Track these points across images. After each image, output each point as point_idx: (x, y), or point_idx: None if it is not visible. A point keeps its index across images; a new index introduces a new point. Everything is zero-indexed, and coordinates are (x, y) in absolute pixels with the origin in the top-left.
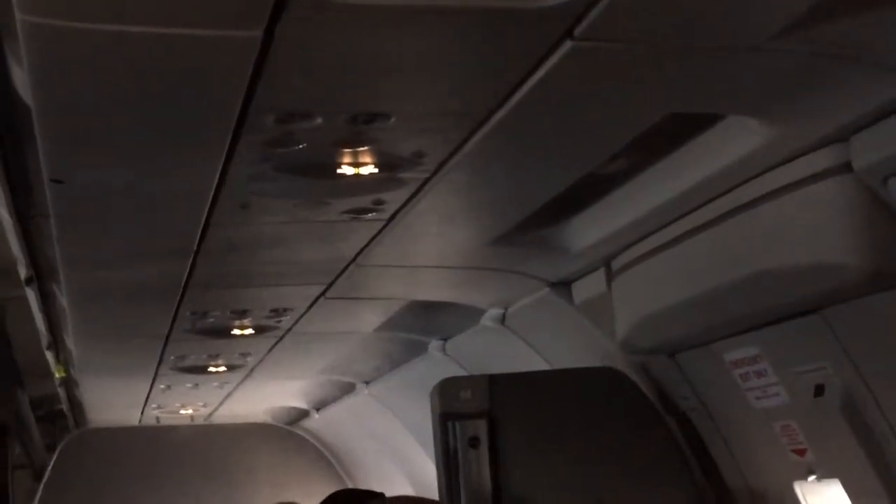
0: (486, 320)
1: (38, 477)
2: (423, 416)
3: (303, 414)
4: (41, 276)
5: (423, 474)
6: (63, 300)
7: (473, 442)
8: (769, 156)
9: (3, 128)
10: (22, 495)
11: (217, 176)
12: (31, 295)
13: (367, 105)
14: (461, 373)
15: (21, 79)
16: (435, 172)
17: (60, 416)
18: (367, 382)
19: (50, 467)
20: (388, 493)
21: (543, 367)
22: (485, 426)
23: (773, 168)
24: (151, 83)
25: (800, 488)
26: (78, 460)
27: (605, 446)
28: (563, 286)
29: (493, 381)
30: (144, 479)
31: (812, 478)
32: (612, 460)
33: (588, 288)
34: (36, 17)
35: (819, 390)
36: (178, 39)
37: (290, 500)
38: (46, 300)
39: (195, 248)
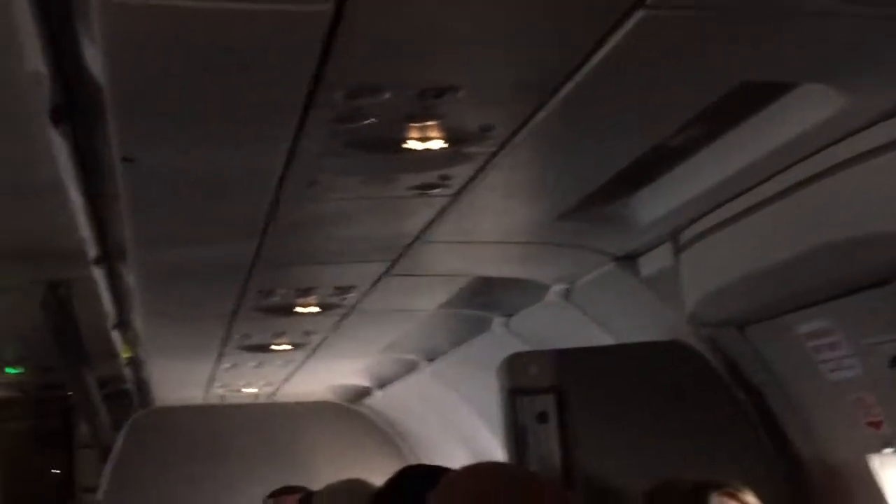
0: (551, 296)
1: (104, 456)
2: (487, 393)
3: (365, 392)
4: (109, 257)
5: (487, 451)
6: (131, 280)
7: (542, 417)
8: (842, 124)
9: (74, 107)
10: (88, 474)
11: (286, 153)
12: (99, 275)
13: (437, 78)
14: (525, 349)
15: (93, 56)
16: (502, 146)
17: (126, 395)
18: (430, 360)
19: (116, 446)
20: None
21: (609, 342)
22: (553, 401)
23: (847, 137)
24: (222, 60)
25: (875, 461)
26: (144, 439)
27: (675, 420)
28: (629, 260)
29: (561, 355)
30: (209, 457)
31: (889, 450)
32: (682, 434)
33: (655, 261)
34: None
35: (895, 361)
36: (249, 14)
37: (354, 477)
38: (114, 280)
39: (263, 226)
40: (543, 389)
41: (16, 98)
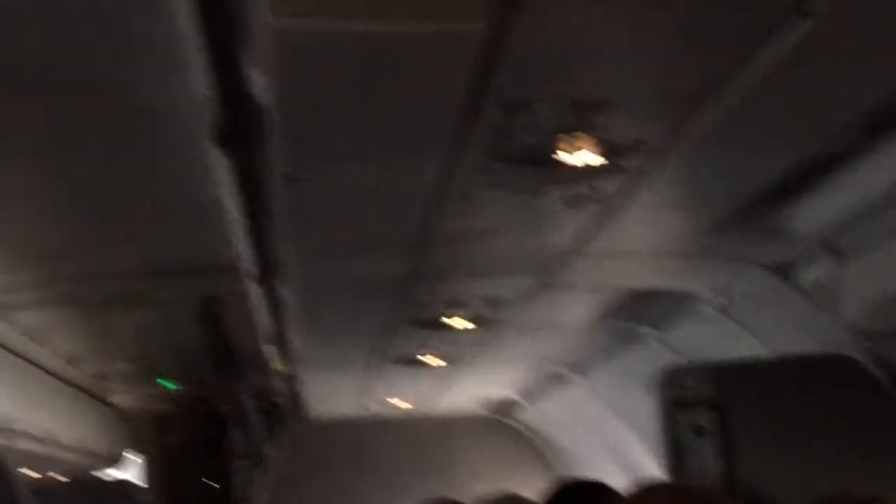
0: (704, 307)
1: (258, 468)
2: (639, 406)
3: (515, 405)
4: (266, 273)
5: (639, 464)
6: (287, 295)
7: (700, 430)
8: None
9: (237, 128)
10: (243, 485)
11: (442, 169)
12: (256, 291)
13: (591, 92)
14: (678, 361)
15: (257, 79)
16: (655, 158)
17: (279, 408)
18: (580, 372)
19: (271, 458)
20: None
21: (764, 354)
22: (711, 414)
23: None
24: (385, 79)
25: None
26: (297, 451)
27: (838, 434)
28: (786, 270)
29: (719, 368)
30: (360, 469)
31: None
32: (845, 448)
33: (815, 271)
34: (282, 19)
35: None
36: (409, 35)
37: (504, 490)
38: (270, 295)
39: (417, 241)
40: (701, 402)
41: (181, 120)
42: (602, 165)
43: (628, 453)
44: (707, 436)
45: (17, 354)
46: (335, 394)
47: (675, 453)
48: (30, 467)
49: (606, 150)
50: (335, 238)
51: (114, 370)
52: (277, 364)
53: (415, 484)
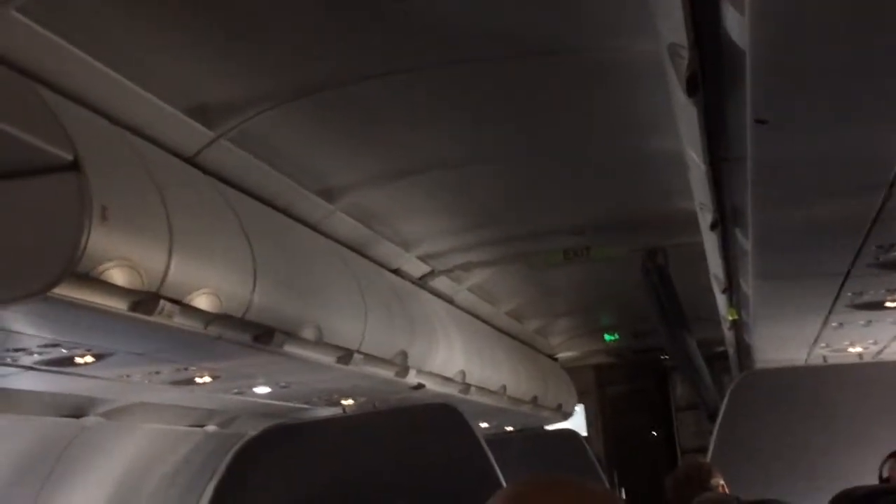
0: None
1: (712, 418)
2: None
3: None
4: (723, 220)
5: None
6: (744, 243)
7: None
8: None
9: (709, 72)
10: (687, 436)
11: None
12: (711, 240)
13: None
14: None
15: (734, 22)
16: None
17: (722, 357)
18: None
19: (713, 407)
20: None
21: None
22: None
23: None
24: (861, 14)
25: None
26: (745, 401)
27: None
28: None
29: None
30: (812, 417)
31: None
32: None
33: None
34: None
35: None
36: None
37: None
38: (724, 243)
39: (891, 178)
40: None
41: (644, 72)
42: None
43: None
44: None
45: (468, 312)
46: (787, 342)
47: None
48: (483, 419)
49: None
50: (799, 181)
51: (556, 324)
52: (730, 314)
53: (874, 433)
